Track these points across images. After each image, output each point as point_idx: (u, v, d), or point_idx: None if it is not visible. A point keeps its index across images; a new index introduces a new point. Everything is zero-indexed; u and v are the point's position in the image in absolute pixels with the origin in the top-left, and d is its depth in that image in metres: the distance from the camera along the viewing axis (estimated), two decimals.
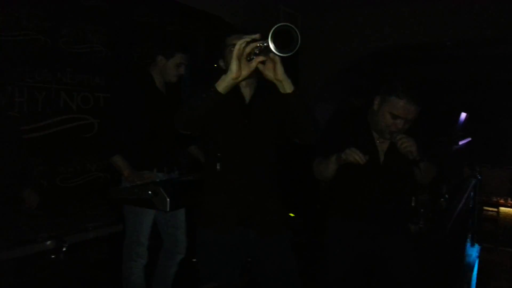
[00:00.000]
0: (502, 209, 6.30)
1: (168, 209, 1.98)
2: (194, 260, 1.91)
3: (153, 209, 2.05)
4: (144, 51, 3.39)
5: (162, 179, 2.31)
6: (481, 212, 6.08)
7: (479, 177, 5.27)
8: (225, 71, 1.58)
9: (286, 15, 4.78)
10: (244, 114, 1.79)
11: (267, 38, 1.35)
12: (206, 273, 1.81)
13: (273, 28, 1.33)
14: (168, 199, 1.97)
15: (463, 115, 4.90)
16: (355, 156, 1.82)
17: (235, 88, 1.67)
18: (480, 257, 4.83)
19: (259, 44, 1.43)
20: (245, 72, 1.49)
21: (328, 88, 5.11)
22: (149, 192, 2.01)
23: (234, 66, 1.46)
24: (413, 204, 3.06)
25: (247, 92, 1.82)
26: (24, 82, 2.64)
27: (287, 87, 1.57)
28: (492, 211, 6.33)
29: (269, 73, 1.54)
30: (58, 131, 2.85)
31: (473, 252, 4.77)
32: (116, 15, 3.17)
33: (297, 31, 1.34)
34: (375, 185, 2.06)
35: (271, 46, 1.34)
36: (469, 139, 5.14)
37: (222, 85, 1.51)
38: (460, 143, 4.86)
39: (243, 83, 1.73)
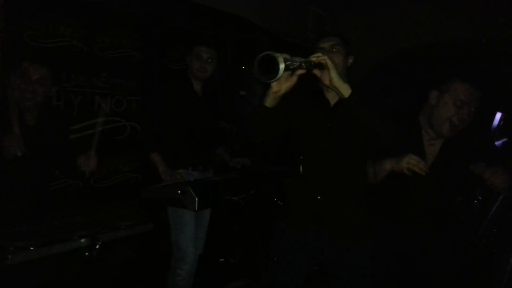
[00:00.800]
0: None
1: (196, 209, 2.03)
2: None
3: (182, 208, 2.11)
4: (175, 55, 3.48)
5: (194, 179, 2.37)
6: None
7: None
8: None
9: (315, 15, 4.77)
10: (328, 118, 1.83)
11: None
12: (280, 265, 1.96)
13: (260, 55, 1.39)
14: (196, 199, 2.02)
15: (498, 115, 4.72)
16: (413, 162, 1.80)
17: (319, 93, 1.83)
18: None
19: (303, 61, 1.49)
20: (285, 86, 1.56)
21: (358, 89, 5.05)
22: (179, 191, 2.07)
23: (277, 83, 1.54)
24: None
25: (331, 96, 1.84)
26: (62, 87, 2.77)
27: (344, 92, 1.61)
28: None
29: (326, 81, 1.60)
30: (92, 133, 2.97)
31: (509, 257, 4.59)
32: (149, 21, 3.27)
33: (279, 63, 1.36)
34: (420, 189, 1.96)
35: (256, 71, 1.40)
36: (505, 139, 4.94)
37: (267, 99, 1.62)
38: (496, 143, 4.68)
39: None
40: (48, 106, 2.30)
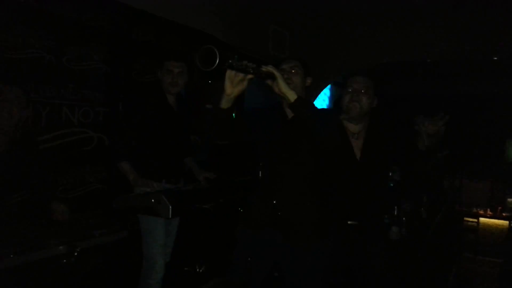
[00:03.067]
0: (482, 219, 6.52)
1: (170, 216, 2.13)
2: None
3: (156, 216, 2.20)
4: (142, 68, 3.57)
5: (166, 188, 2.46)
6: (461, 223, 6.30)
7: (458, 189, 5.50)
8: None
9: (275, 33, 5.00)
10: (284, 128, 2.02)
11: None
12: (236, 267, 2.05)
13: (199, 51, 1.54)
14: (170, 206, 2.12)
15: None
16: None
17: (279, 107, 2.02)
18: (460, 266, 5.03)
19: (250, 65, 1.64)
20: (237, 89, 1.72)
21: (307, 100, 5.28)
22: (152, 200, 2.16)
23: (226, 85, 1.71)
24: (395, 213, 3.26)
25: (289, 110, 1.99)
26: (30, 98, 2.77)
27: (290, 97, 1.77)
28: (472, 221, 6.54)
29: (276, 89, 1.78)
30: (59, 144, 2.99)
31: (452, 261, 4.97)
32: (116, 34, 3.34)
33: (216, 49, 1.52)
34: (354, 184, 2.18)
35: (198, 63, 1.55)
36: (448, 151, 5.38)
37: (221, 101, 1.77)
38: (439, 155, 5.10)
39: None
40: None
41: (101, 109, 3.26)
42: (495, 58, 4.69)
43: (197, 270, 3.16)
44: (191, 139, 3.87)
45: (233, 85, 1.71)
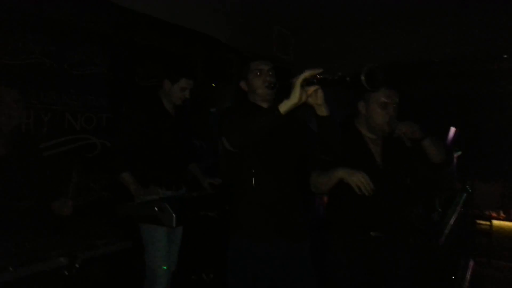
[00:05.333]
0: (495, 222, 6.38)
1: (174, 225, 2.06)
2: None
3: (159, 225, 2.12)
4: (145, 73, 3.51)
5: (169, 196, 2.39)
6: (474, 226, 6.16)
7: (470, 191, 5.37)
8: (243, 93, 1.95)
9: (280, 35, 4.94)
10: (276, 134, 1.91)
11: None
12: (239, 279, 1.94)
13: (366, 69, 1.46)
14: (174, 215, 2.04)
15: (453, 130, 5.04)
16: (363, 181, 1.90)
17: (255, 107, 1.99)
18: (473, 271, 4.90)
19: (318, 75, 1.59)
20: (304, 98, 1.65)
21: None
22: (155, 208, 2.08)
23: (298, 92, 1.62)
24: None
25: None
26: (31, 104, 2.72)
27: (325, 110, 1.76)
28: (485, 224, 6.40)
29: (310, 98, 1.70)
30: (62, 151, 2.93)
31: (467, 265, 4.85)
32: (118, 38, 3.28)
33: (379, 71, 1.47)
34: (378, 192, 2.04)
35: (364, 83, 1.45)
36: (460, 153, 5.27)
37: (285, 108, 1.65)
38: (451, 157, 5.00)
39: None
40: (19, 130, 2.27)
41: (104, 115, 3.20)
42: (505, 56, 4.61)
43: (204, 278, 3.08)
44: (194, 145, 3.81)
45: (306, 94, 1.65)
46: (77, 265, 1.77)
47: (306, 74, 1.61)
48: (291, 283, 1.97)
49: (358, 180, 1.92)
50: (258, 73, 2.00)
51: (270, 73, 2.01)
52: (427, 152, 2.14)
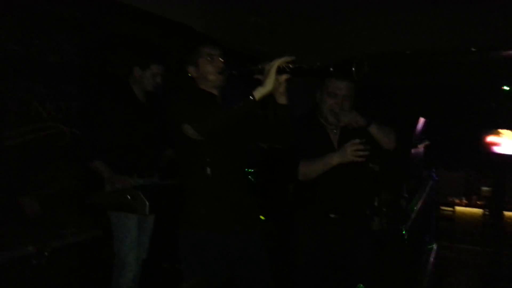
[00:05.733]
0: (457, 208, 6.67)
1: (147, 213, 2.06)
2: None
3: (133, 213, 2.12)
4: (117, 61, 3.44)
5: (142, 184, 2.39)
6: (438, 212, 6.42)
7: (436, 178, 5.59)
8: (191, 79, 1.88)
9: (255, 25, 4.93)
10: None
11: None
12: (197, 272, 1.85)
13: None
14: (147, 203, 2.05)
15: (422, 120, 5.21)
16: (355, 148, 2.02)
17: (210, 96, 1.94)
18: (437, 254, 5.13)
19: (291, 65, 1.62)
20: (276, 86, 1.66)
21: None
22: (129, 196, 2.08)
23: (272, 80, 1.63)
24: (376, 204, 3.27)
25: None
26: None
27: (285, 99, 1.78)
28: (448, 210, 6.69)
29: (276, 85, 1.70)
30: (30, 139, 2.85)
31: (431, 249, 5.06)
32: (89, 25, 3.21)
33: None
34: (338, 177, 2.19)
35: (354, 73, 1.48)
36: (427, 142, 5.45)
37: (259, 95, 1.65)
38: (419, 146, 5.16)
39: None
40: None
41: (75, 103, 3.13)
42: (473, 49, 4.76)
43: (176, 267, 3.09)
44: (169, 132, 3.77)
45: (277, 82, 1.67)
46: (46, 254, 1.75)
47: (279, 61, 1.62)
48: (248, 271, 1.97)
49: (352, 152, 2.03)
50: (209, 59, 1.90)
51: (221, 58, 1.92)
52: (376, 138, 2.22)
